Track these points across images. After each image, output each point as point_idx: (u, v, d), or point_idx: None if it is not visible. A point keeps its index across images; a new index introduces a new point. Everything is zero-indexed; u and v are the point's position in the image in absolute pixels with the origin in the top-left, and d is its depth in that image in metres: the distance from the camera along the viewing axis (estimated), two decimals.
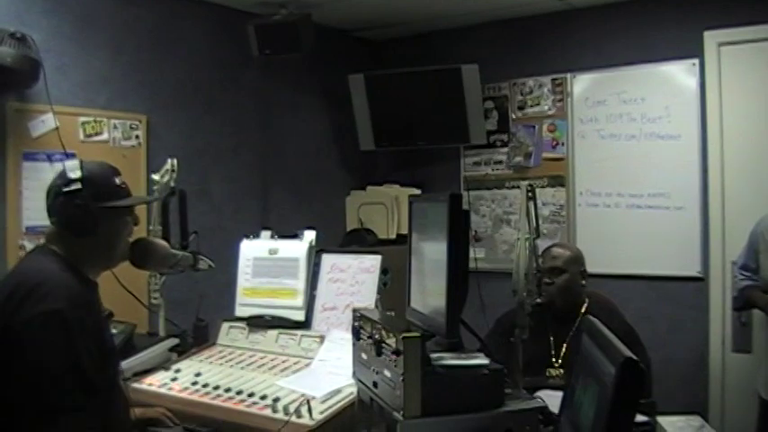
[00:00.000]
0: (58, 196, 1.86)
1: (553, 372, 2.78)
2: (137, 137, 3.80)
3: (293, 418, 2.06)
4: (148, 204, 2.92)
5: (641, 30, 4.18)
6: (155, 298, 2.93)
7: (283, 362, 2.53)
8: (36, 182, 3.31)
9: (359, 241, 4.49)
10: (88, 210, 1.85)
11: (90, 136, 3.61)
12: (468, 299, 1.87)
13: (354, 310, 2.05)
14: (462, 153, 4.85)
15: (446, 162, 4.90)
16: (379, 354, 1.79)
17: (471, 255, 2.00)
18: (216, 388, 2.34)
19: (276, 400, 2.18)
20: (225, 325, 2.80)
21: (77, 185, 1.84)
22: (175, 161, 2.89)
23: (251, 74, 4.38)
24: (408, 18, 4.67)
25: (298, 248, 2.78)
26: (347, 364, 2.09)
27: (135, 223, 2.02)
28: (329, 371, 2.35)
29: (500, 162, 4.72)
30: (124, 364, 2.26)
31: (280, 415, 2.10)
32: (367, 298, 2.58)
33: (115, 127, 3.71)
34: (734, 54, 3.92)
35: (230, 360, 2.60)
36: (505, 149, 4.69)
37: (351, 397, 2.12)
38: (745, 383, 3.64)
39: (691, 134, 4.04)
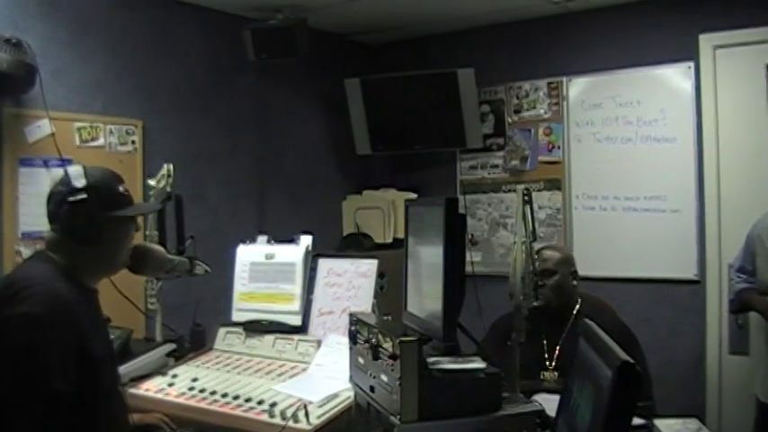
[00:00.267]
0: (62, 205, 1.82)
1: (548, 375, 2.78)
2: (133, 142, 3.79)
3: (290, 423, 2.06)
4: None
5: (637, 33, 4.18)
6: (151, 303, 2.92)
7: (280, 366, 2.53)
8: (32, 187, 3.32)
9: (355, 245, 4.49)
10: (93, 220, 1.82)
11: (86, 141, 3.61)
12: (465, 303, 1.88)
13: (351, 315, 2.06)
14: (458, 157, 4.85)
15: (442, 166, 4.90)
16: (375, 358, 1.79)
17: (468, 258, 2.01)
18: (213, 393, 2.33)
19: (273, 404, 2.17)
20: (222, 330, 2.80)
21: (83, 195, 1.81)
22: (171, 166, 2.88)
23: (247, 78, 4.38)
24: (404, 22, 4.67)
25: (294, 253, 2.78)
26: (344, 368, 2.09)
27: (136, 230, 2.01)
28: (326, 375, 2.35)
29: (496, 166, 4.73)
30: (121, 369, 2.25)
31: (277, 420, 2.10)
32: (364, 302, 2.58)
33: (111, 132, 3.71)
34: (729, 57, 3.93)
35: (227, 365, 2.60)
36: (501, 153, 4.69)
37: (348, 401, 2.12)
38: (743, 386, 3.63)
39: (686, 137, 4.05)
